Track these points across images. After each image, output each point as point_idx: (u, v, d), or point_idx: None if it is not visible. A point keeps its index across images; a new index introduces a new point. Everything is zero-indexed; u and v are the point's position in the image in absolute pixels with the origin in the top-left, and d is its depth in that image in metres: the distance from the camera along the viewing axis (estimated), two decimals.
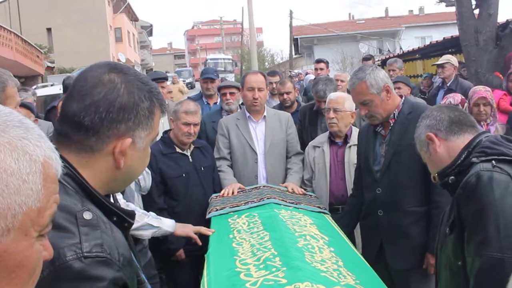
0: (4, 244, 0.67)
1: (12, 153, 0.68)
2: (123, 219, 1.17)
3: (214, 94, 5.39)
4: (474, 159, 1.76)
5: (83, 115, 1.12)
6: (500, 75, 6.18)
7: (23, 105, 4.13)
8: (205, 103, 5.47)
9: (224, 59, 37.45)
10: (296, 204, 3.13)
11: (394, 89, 5.21)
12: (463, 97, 4.43)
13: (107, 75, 1.17)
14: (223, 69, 33.22)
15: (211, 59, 36.48)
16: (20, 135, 0.71)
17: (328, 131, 3.74)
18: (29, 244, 0.71)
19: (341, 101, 3.61)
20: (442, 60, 6.38)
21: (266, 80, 3.91)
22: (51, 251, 0.79)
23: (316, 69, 7.33)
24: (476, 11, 7.99)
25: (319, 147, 3.70)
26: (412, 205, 2.84)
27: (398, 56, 13.53)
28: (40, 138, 0.74)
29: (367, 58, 9.16)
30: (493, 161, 1.70)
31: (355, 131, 3.64)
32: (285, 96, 5.12)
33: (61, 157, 0.80)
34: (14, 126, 0.71)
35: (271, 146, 3.74)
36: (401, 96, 3.01)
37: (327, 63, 7.34)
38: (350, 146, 3.58)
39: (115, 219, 1.14)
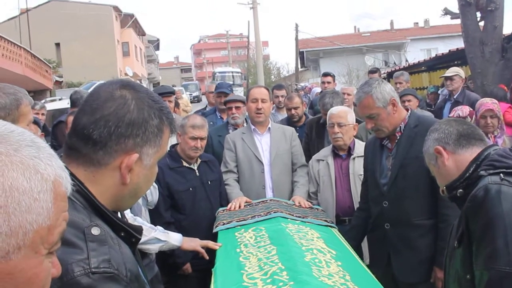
0: (15, 261, 0.68)
1: (25, 172, 0.70)
2: (131, 235, 1.18)
3: None
4: (483, 172, 1.76)
5: (92, 128, 1.13)
6: (505, 88, 6.15)
7: None
8: (219, 117, 5.47)
9: (232, 72, 35.94)
10: (303, 217, 3.12)
11: (404, 101, 5.26)
12: (471, 109, 4.42)
13: (119, 91, 1.18)
14: (231, 82, 32.57)
15: (219, 72, 35.00)
16: (32, 154, 0.72)
17: (331, 145, 3.76)
18: (39, 261, 0.72)
19: (344, 115, 3.64)
20: (450, 72, 6.34)
21: (270, 94, 4.01)
22: (59, 268, 0.80)
23: (323, 82, 7.32)
24: (481, 24, 7.99)
25: (323, 160, 3.71)
26: (419, 218, 2.82)
27: (404, 68, 13.55)
28: (51, 157, 0.75)
29: (373, 71, 9.15)
30: (501, 174, 1.70)
31: (357, 143, 3.68)
32: (293, 111, 5.14)
33: (70, 173, 0.81)
34: (27, 145, 0.72)
35: (277, 157, 3.78)
36: (407, 110, 3.02)
37: (334, 76, 7.35)
38: (354, 158, 3.60)
39: (122, 234, 1.14)
